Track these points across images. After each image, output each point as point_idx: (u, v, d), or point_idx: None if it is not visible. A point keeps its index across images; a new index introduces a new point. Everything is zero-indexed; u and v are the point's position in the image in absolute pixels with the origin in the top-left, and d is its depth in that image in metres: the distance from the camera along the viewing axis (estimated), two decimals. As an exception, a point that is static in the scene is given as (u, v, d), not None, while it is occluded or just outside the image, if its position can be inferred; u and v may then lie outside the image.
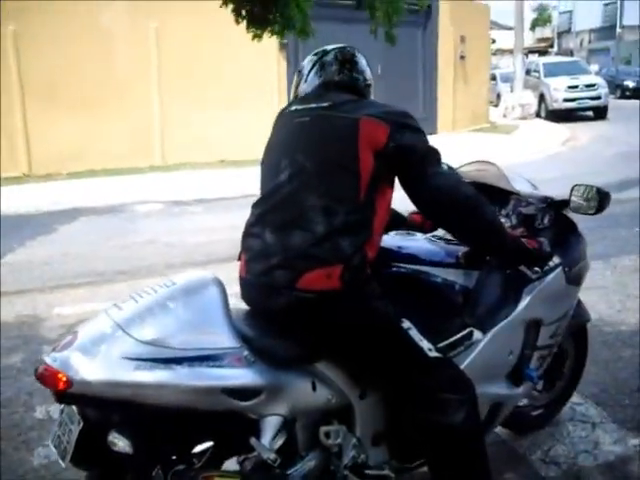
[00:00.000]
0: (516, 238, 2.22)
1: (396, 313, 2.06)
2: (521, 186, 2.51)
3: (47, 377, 1.76)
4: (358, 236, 1.95)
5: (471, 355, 2.25)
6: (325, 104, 2.07)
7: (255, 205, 2.12)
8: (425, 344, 2.04)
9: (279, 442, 1.99)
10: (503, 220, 2.47)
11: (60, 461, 1.86)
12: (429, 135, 2.10)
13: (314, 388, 2.03)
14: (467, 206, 2.04)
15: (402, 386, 2.07)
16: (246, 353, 1.91)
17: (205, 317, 1.93)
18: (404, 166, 2.00)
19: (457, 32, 15.79)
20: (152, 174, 11.33)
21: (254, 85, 11.81)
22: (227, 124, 11.67)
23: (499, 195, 2.51)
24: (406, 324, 2.04)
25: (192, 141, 11.93)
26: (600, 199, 2.41)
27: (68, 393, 1.75)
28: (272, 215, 2.03)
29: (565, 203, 2.47)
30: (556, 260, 2.43)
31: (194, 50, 11.69)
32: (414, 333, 2.04)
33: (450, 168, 2.53)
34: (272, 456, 1.93)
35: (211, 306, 1.95)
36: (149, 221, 8.13)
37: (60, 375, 1.74)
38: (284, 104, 2.34)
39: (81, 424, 1.81)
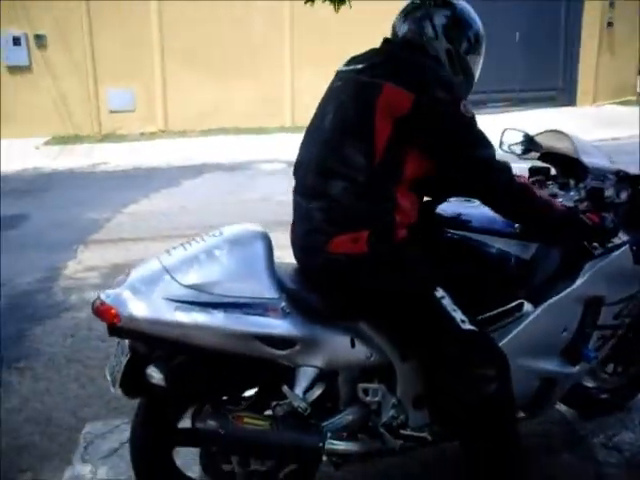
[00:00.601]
0: (574, 212, 2.14)
1: (432, 280, 2.03)
2: (595, 159, 2.39)
3: (101, 311, 1.92)
4: (381, 202, 1.94)
5: (519, 327, 2.21)
6: (359, 66, 2.04)
7: (294, 171, 2.18)
8: (458, 315, 1.99)
9: (316, 393, 2.06)
10: (572, 193, 2.38)
11: (111, 387, 2.05)
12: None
13: (353, 344, 2.06)
14: (506, 191, 2.00)
15: (433, 355, 2.03)
16: (283, 304, 1.99)
17: (247, 267, 2.02)
18: (431, 137, 1.93)
19: (606, -3, 14.76)
20: (281, 134, 11.56)
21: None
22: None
23: (571, 166, 2.42)
24: (440, 293, 2.01)
25: (321, 104, 12.07)
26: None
27: (117, 327, 1.91)
28: (305, 181, 2.08)
29: (639, 178, 2.34)
30: (623, 237, 2.31)
31: (327, 15, 11.72)
32: (447, 302, 2.00)
33: (526, 135, 2.47)
34: (302, 405, 2.00)
35: (254, 257, 2.04)
36: (269, 179, 8.34)
37: (112, 310, 1.90)
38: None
39: (128, 356, 1.98)
